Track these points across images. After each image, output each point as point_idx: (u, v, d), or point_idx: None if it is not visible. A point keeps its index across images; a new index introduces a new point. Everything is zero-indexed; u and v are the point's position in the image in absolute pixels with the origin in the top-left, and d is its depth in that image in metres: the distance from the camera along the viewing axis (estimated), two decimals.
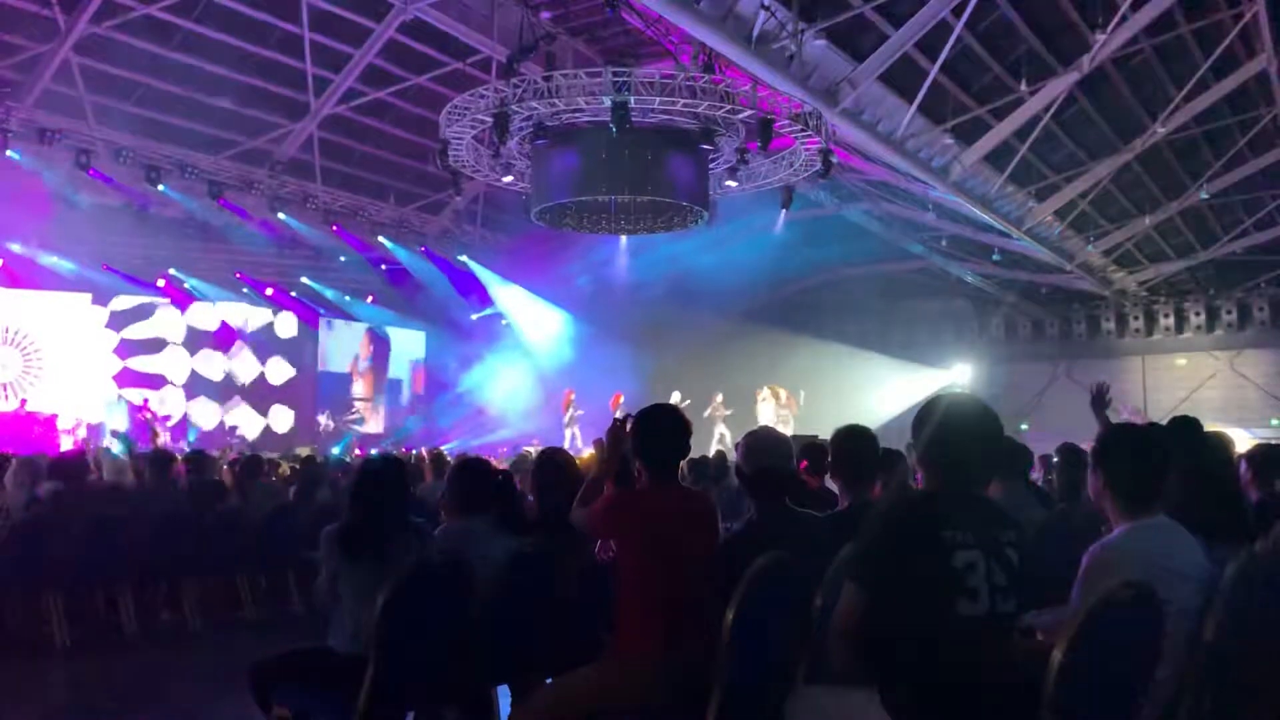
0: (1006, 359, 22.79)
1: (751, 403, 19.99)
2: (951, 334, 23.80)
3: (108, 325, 19.36)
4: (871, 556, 2.67)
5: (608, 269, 19.69)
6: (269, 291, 20.89)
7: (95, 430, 16.93)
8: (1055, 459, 5.93)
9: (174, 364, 20.12)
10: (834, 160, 14.11)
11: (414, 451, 14.84)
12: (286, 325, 21.75)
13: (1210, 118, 14.62)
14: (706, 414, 18.86)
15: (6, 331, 18.10)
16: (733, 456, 4.58)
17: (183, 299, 20.13)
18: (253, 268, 20.15)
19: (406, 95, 16.41)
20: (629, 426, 3.55)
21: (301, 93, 15.41)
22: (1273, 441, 6.69)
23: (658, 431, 3.50)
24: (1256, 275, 20.83)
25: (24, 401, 17.38)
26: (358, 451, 18.55)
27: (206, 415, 20.13)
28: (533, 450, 12.62)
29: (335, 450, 18.80)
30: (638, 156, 13.79)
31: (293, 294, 21.08)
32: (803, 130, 13.37)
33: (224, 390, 20.69)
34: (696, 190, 14.61)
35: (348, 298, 21.81)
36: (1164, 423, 4.17)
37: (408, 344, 23.86)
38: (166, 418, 18.53)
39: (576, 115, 13.29)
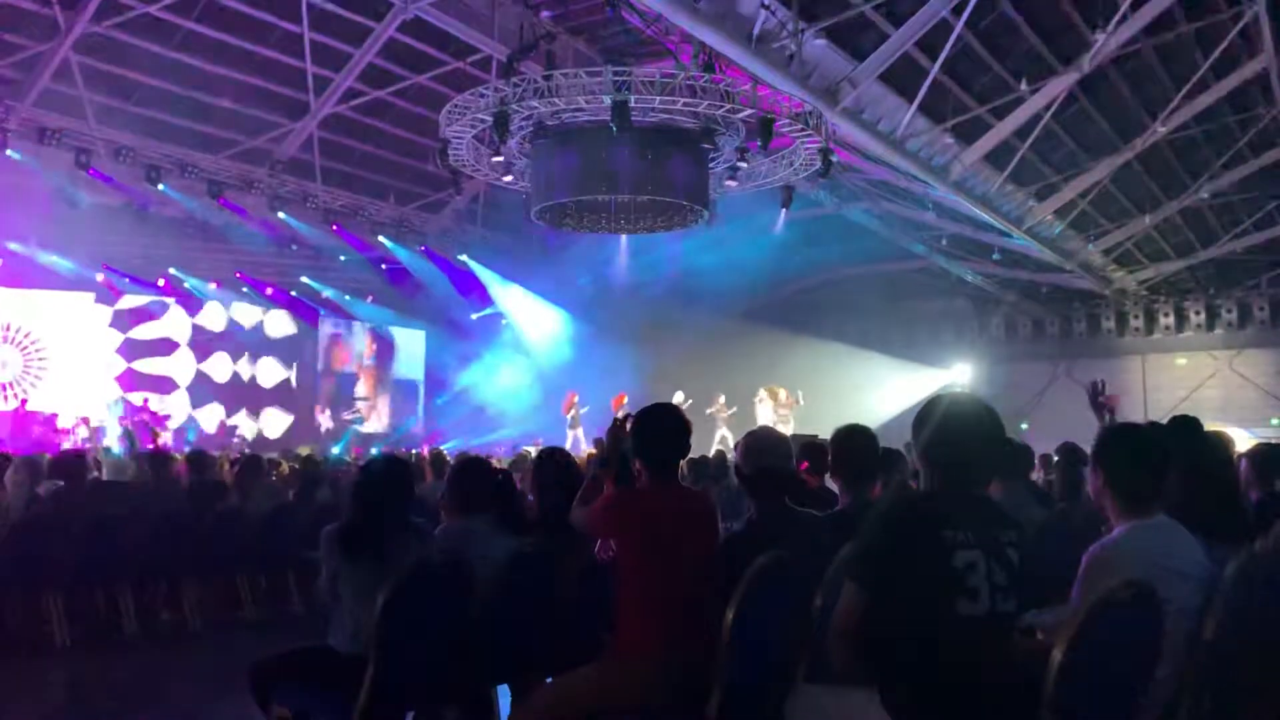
0: (1007, 358, 22.77)
1: (751, 403, 19.98)
2: (951, 333, 23.79)
3: (111, 325, 19.38)
4: (871, 556, 2.67)
5: (608, 269, 19.70)
6: (269, 291, 20.91)
7: (97, 431, 16.95)
8: (1055, 458, 5.92)
9: (177, 365, 20.14)
10: (834, 160, 14.11)
11: (414, 451, 14.86)
12: (287, 325, 21.77)
13: (1210, 117, 14.60)
14: (710, 412, 18.85)
15: (7, 330, 18.10)
16: (732, 456, 4.58)
17: (185, 299, 20.16)
18: (253, 267, 20.16)
19: (407, 94, 16.40)
20: (629, 426, 3.55)
21: (301, 92, 15.40)
22: (1273, 441, 6.69)
23: (658, 431, 3.50)
24: (1256, 275, 20.82)
25: (24, 401, 17.39)
26: (356, 451, 18.57)
27: (208, 416, 20.15)
28: (533, 450, 12.63)
29: (335, 449, 18.82)
30: (638, 156, 13.79)
31: (293, 293, 21.09)
32: (803, 130, 13.37)
33: (224, 391, 20.71)
34: (696, 190, 14.61)
35: (348, 297, 21.81)
36: (1164, 422, 4.17)
37: (408, 344, 23.88)
38: (166, 418, 18.54)
39: (576, 114, 13.29)
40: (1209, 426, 4.22)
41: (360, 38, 14.84)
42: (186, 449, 14.10)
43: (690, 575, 3.28)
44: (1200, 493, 3.24)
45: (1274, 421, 20.02)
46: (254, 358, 21.28)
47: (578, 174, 14.18)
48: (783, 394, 18.95)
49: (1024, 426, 18.69)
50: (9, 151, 13.76)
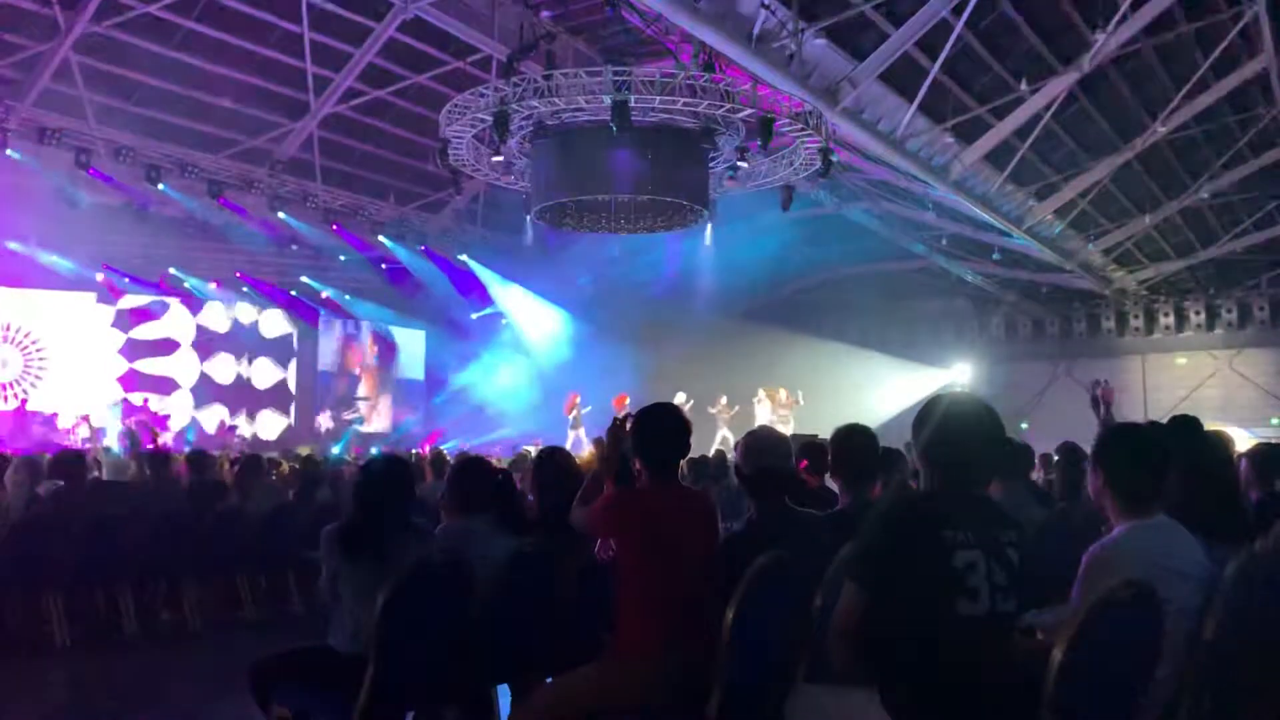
0: (1007, 358, 22.77)
1: (751, 403, 19.98)
2: (952, 333, 23.79)
3: (113, 325, 19.39)
4: (872, 556, 2.67)
5: (608, 269, 19.70)
6: (268, 291, 20.89)
7: (98, 432, 16.93)
8: (1055, 458, 5.92)
9: (179, 366, 20.15)
10: (834, 159, 14.11)
11: (414, 451, 14.85)
12: (287, 325, 21.77)
13: (1210, 117, 14.60)
14: (714, 412, 18.86)
15: (8, 330, 18.10)
16: (732, 456, 4.58)
17: (186, 299, 20.17)
18: (253, 267, 20.16)
19: (406, 94, 16.40)
20: (629, 425, 3.55)
21: (301, 92, 15.40)
22: (1272, 440, 6.69)
23: (658, 431, 3.50)
24: (1256, 274, 20.82)
25: (24, 401, 17.39)
26: (356, 451, 18.56)
27: (209, 416, 20.15)
28: (532, 449, 12.63)
29: (335, 449, 18.82)
30: (638, 156, 13.79)
31: (293, 293, 21.09)
32: (803, 129, 13.37)
33: (225, 391, 20.72)
34: (696, 189, 14.60)
35: (348, 297, 21.81)
36: (1164, 422, 4.17)
37: (408, 344, 23.89)
38: (166, 418, 18.53)
39: (577, 114, 13.28)
40: (1209, 426, 4.22)
41: (360, 37, 14.84)
42: (186, 449, 14.11)
43: (690, 575, 3.28)
44: (1200, 493, 3.23)
45: (1274, 421, 20.02)
46: (253, 358, 21.28)
47: (578, 174, 14.18)
48: (783, 394, 18.96)
49: (1024, 426, 18.69)
50: (9, 151, 13.76)
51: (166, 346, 20.05)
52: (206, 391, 20.38)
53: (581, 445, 16.91)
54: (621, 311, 19.70)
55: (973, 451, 2.75)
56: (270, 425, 21.24)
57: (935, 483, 2.77)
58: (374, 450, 17.17)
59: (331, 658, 3.70)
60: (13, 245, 16.38)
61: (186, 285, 19.81)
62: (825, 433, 4.99)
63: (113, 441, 15.45)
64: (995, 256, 19.19)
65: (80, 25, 13.17)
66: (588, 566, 4.11)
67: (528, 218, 15.57)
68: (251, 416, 20.99)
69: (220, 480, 8.55)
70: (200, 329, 20.50)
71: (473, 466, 4.56)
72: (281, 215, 17.23)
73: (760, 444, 3.75)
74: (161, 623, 7.28)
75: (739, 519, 4.20)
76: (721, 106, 13.01)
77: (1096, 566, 2.74)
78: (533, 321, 21.99)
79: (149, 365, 19.66)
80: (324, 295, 21.39)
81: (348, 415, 22.50)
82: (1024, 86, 13.03)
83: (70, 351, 18.55)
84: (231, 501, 7.89)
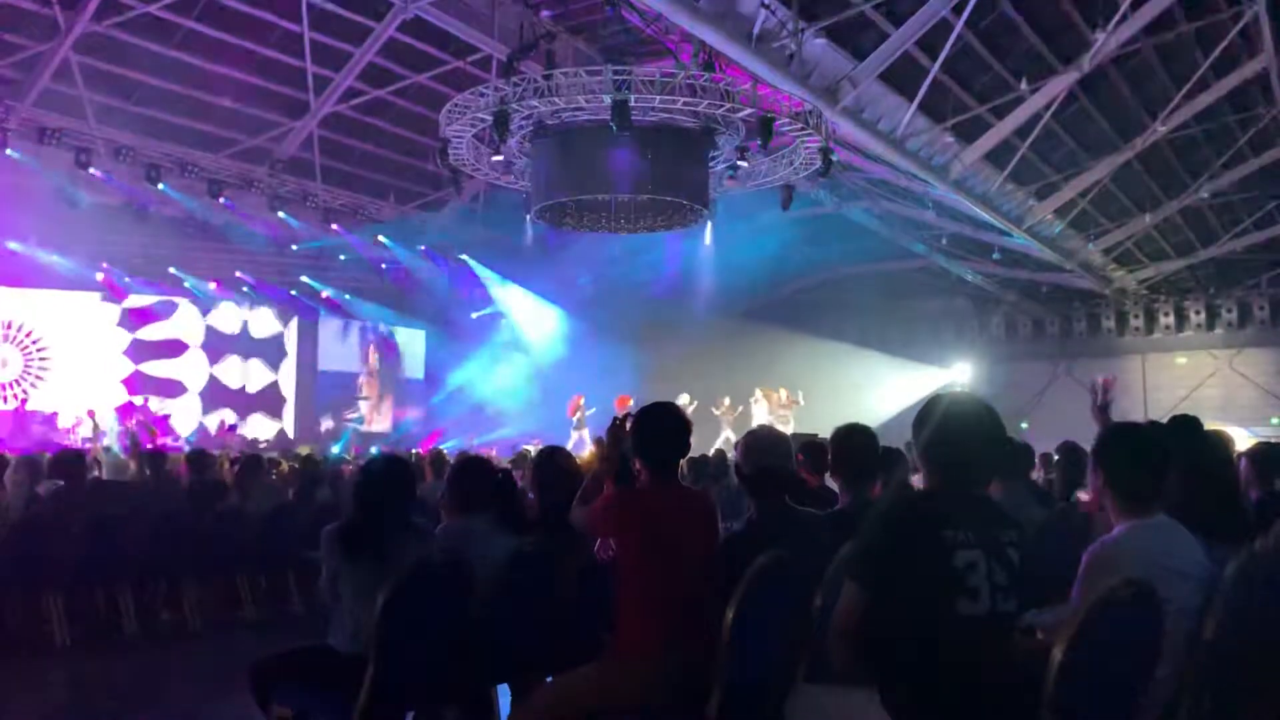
0: (1007, 358, 22.77)
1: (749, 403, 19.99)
2: (952, 333, 23.78)
3: (119, 324, 19.40)
4: (872, 556, 2.67)
5: (608, 268, 19.69)
6: (268, 291, 20.89)
7: (101, 433, 16.90)
8: (1055, 458, 5.92)
9: (187, 368, 20.14)
10: (834, 159, 14.11)
11: (414, 451, 14.84)
12: (289, 325, 21.76)
13: (1210, 117, 14.60)
14: (718, 413, 18.86)
15: (8, 329, 18.10)
16: (732, 455, 4.58)
17: (194, 299, 20.17)
18: (253, 267, 20.15)
19: (406, 94, 16.40)
20: (629, 425, 3.55)
21: (302, 91, 15.41)
22: (1272, 440, 6.69)
23: (658, 430, 3.50)
24: (1257, 274, 20.81)
25: (24, 400, 17.38)
26: (355, 450, 18.56)
27: (211, 418, 20.13)
28: (532, 449, 12.62)
29: (335, 449, 18.81)
30: (638, 155, 13.78)
31: (293, 293, 21.08)
32: (803, 129, 13.36)
33: (224, 391, 20.71)
34: (696, 189, 14.60)
35: (348, 296, 21.81)
36: (1164, 421, 4.17)
37: (408, 344, 23.88)
38: (166, 417, 18.52)
39: (576, 114, 13.28)
40: (1209, 426, 4.22)
41: (360, 37, 14.84)
42: (186, 448, 14.11)
43: (690, 575, 3.28)
44: (1200, 492, 3.24)
45: (1274, 420, 20.01)
46: (253, 358, 21.27)
47: (577, 173, 14.17)
48: (783, 394, 18.96)
49: (1024, 426, 18.68)
50: (9, 151, 13.76)
51: (174, 348, 20.04)
52: (215, 395, 20.38)
53: (584, 446, 16.90)
54: (621, 311, 19.69)
55: (973, 451, 2.75)
56: (270, 425, 21.22)
57: (935, 482, 2.77)
58: (374, 450, 17.17)
59: (331, 657, 3.70)
60: (13, 245, 16.39)
61: (186, 285, 19.81)
62: (825, 432, 4.99)
63: (113, 441, 15.44)
64: (995, 256, 19.19)
65: (80, 25, 13.17)
66: (588, 566, 4.11)
67: (528, 217, 15.57)
68: (254, 415, 20.97)
69: (220, 480, 8.55)
70: (210, 330, 20.51)
71: (473, 466, 4.56)
72: (281, 215, 17.22)
73: (760, 443, 3.75)
74: (161, 623, 7.28)
75: (739, 519, 4.20)
76: (721, 106, 13.01)
77: (1096, 566, 2.74)
78: (532, 321, 21.99)
79: (155, 368, 19.66)
80: (324, 295, 21.39)
81: (348, 416, 22.49)
82: (1024, 86, 13.04)
83: (73, 351, 18.55)
84: (231, 501, 7.88)
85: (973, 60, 13.09)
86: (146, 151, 15.04)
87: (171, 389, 19.81)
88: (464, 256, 20.21)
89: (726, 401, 19.27)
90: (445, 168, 14.72)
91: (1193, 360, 21.44)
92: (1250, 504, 4.07)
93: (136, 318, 19.60)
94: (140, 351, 19.58)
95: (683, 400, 16.30)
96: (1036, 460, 6.97)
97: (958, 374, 22.58)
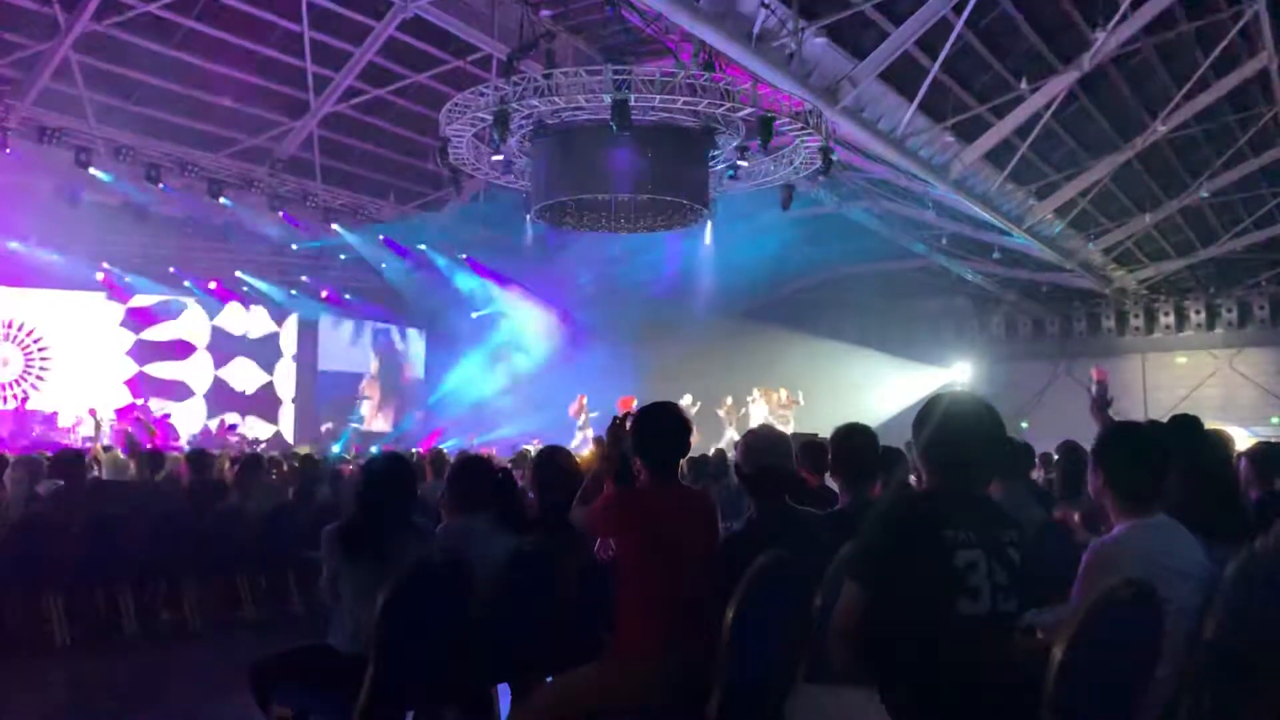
0: (1007, 357, 22.77)
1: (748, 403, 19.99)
2: (952, 332, 23.78)
3: (122, 324, 19.39)
4: (872, 555, 2.67)
5: (608, 268, 19.68)
6: (266, 290, 20.89)
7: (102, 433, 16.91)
8: (1056, 458, 5.92)
9: (193, 369, 20.13)
10: (834, 158, 14.10)
11: (414, 450, 14.84)
12: (288, 325, 21.77)
13: (1211, 116, 14.60)
14: (722, 413, 18.85)
15: (9, 328, 18.09)
16: (732, 455, 4.58)
17: (191, 298, 20.18)
18: (253, 267, 20.15)
19: (406, 93, 16.39)
20: (629, 425, 3.55)
21: (301, 91, 15.40)
22: (1272, 439, 6.69)
23: (658, 430, 3.50)
24: (1257, 273, 20.81)
25: (24, 400, 17.38)
26: (355, 450, 18.55)
27: (213, 420, 20.14)
28: (532, 449, 12.62)
29: (335, 448, 18.81)
30: (638, 155, 13.77)
31: (293, 293, 21.09)
32: (803, 128, 13.36)
33: (225, 391, 20.72)
34: (697, 188, 14.60)
35: (348, 296, 21.81)
36: (1164, 421, 4.17)
37: (408, 343, 23.88)
38: (166, 417, 18.52)
39: (576, 113, 13.27)
40: (1209, 425, 4.22)
41: (360, 36, 14.84)
42: (186, 448, 14.11)
43: (690, 575, 3.28)
44: (1200, 492, 3.24)
45: (1274, 420, 20.01)
46: (255, 359, 21.27)
47: (578, 173, 14.16)
48: (783, 393, 18.94)
49: (1024, 425, 18.68)
50: (9, 150, 13.75)
51: (180, 349, 20.03)
52: (220, 398, 20.36)
53: (588, 444, 16.90)
54: (621, 311, 19.69)
55: (973, 451, 2.75)
56: (271, 427, 21.21)
57: (935, 482, 2.77)
58: (374, 450, 17.17)
59: (332, 657, 3.70)
60: (13, 245, 16.39)
61: (185, 285, 19.81)
62: (825, 432, 4.99)
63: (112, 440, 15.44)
64: (995, 255, 19.18)
65: (80, 24, 13.16)
66: (588, 566, 4.11)
67: (528, 217, 15.56)
68: (253, 416, 20.97)
69: (220, 480, 8.55)
70: (216, 331, 20.50)
71: (473, 466, 4.56)
72: (281, 214, 17.22)
73: (760, 443, 3.75)
74: (161, 623, 7.28)
75: (739, 519, 4.20)
76: (721, 105, 13.00)
77: (1097, 565, 2.74)
78: (533, 321, 21.99)
79: (160, 369, 19.65)
80: (324, 295, 21.38)
81: (348, 416, 22.48)
82: (1024, 85, 13.03)
83: (75, 351, 18.54)
84: (231, 501, 7.88)
85: (973, 60, 13.09)
86: (146, 151, 15.02)
87: (177, 391, 19.78)
88: (464, 256, 20.20)
89: (729, 401, 19.27)
90: (445, 167, 14.71)
91: (1193, 360, 21.44)
92: (1250, 504, 4.07)
93: (141, 318, 19.59)
94: (145, 352, 19.57)
95: (685, 401, 16.31)
96: (1036, 460, 6.97)
97: (958, 374, 22.57)
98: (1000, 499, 3.71)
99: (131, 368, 19.37)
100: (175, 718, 5.53)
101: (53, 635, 6.51)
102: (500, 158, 14.40)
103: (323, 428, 21.62)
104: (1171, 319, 21.64)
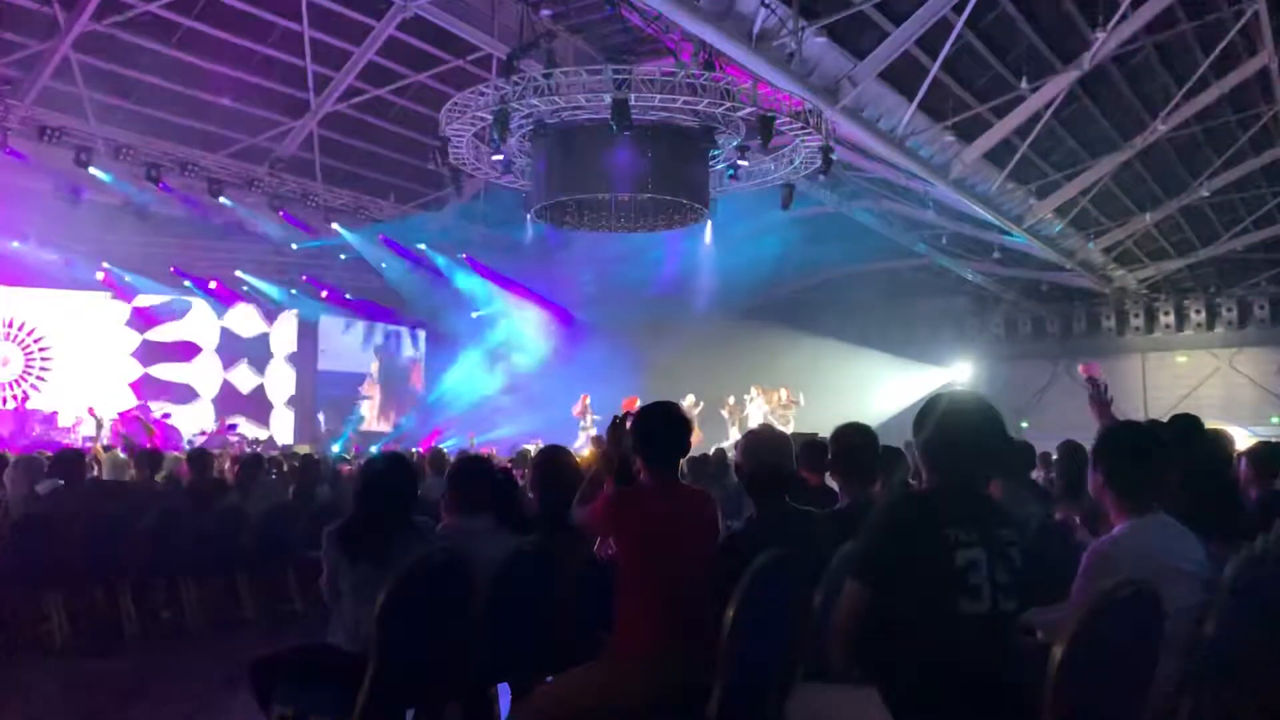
0: (1007, 357, 22.78)
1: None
2: (952, 331, 23.78)
3: (127, 324, 19.38)
4: (873, 554, 2.66)
5: (609, 268, 19.68)
6: (264, 290, 20.88)
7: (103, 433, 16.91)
8: (1056, 457, 5.92)
9: (199, 371, 20.12)
10: (834, 158, 14.10)
11: (414, 450, 14.84)
12: (287, 324, 21.76)
13: (1211, 115, 14.61)
14: (725, 414, 18.85)
15: (9, 328, 18.09)
16: (732, 455, 4.58)
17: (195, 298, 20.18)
18: (253, 267, 20.15)
19: (407, 93, 16.39)
20: (629, 424, 3.55)
21: (301, 90, 15.41)
22: (1272, 439, 6.68)
23: (658, 430, 3.50)
24: (1257, 273, 20.83)
25: (24, 399, 17.38)
26: (355, 449, 18.56)
27: (208, 418, 20.14)
28: (532, 448, 12.62)
29: (335, 448, 18.82)
30: (638, 154, 13.78)
31: (292, 291, 21.08)
32: (803, 128, 13.36)
33: (238, 397, 20.72)
34: (697, 188, 14.60)
35: (348, 296, 21.81)
36: (1164, 421, 4.17)
37: (408, 343, 23.88)
38: (165, 417, 18.52)
39: (577, 113, 13.28)
40: (1209, 425, 4.23)
41: (360, 36, 14.84)
42: (186, 449, 14.10)
43: (690, 574, 3.28)
44: (1200, 492, 3.23)
45: (1274, 420, 20.02)
46: (253, 359, 21.26)
47: (578, 172, 14.17)
48: (783, 393, 18.92)
49: (1024, 425, 18.69)
50: (9, 150, 13.75)
51: (186, 350, 20.02)
52: (227, 400, 20.35)
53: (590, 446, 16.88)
54: (622, 311, 19.68)
55: (973, 450, 2.74)
56: (272, 426, 21.21)
57: (936, 481, 2.77)
58: (374, 449, 17.18)
59: (332, 656, 3.69)
60: (14, 244, 16.38)
61: (185, 284, 19.81)
62: (825, 432, 4.98)
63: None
64: (995, 255, 19.19)
65: (80, 24, 13.16)
66: (588, 566, 4.10)
67: (528, 216, 15.56)
68: (255, 416, 20.97)
69: (220, 479, 8.54)
70: (224, 332, 20.49)
71: (473, 466, 4.55)
72: (281, 214, 17.22)
73: (760, 442, 3.75)
74: (161, 623, 7.27)
75: (739, 518, 4.20)
76: (722, 105, 13.01)
77: (1097, 564, 2.74)
78: (532, 321, 21.98)
79: (165, 371, 19.63)
80: (324, 295, 21.38)
81: (348, 416, 22.49)
82: (1024, 85, 13.03)
83: (77, 351, 18.52)
84: (231, 500, 7.87)
85: (973, 59, 13.09)
86: (146, 151, 15.02)
87: (183, 394, 19.77)
88: (464, 256, 20.20)
89: (731, 401, 19.28)
90: (445, 167, 14.72)
91: (1193, 360, 21.45)
92: (1250, 503, 4.07)
93: (145, 318, 19.58)
94: (150, 354, 19.55)
95: (689, 401, 16.30)
96: (1036, 459, 6.96)
97: (958, 373, 22.58)
98: (1000, 498, 3.71)
99: (136, 369, 19.34)
100: (175, 718, 5.52)
101: (53, 635, 6.50)
102: (500, 157, 14.41)
103: (322, 427, 21.64)
104: (1171, 318, 21.65)
